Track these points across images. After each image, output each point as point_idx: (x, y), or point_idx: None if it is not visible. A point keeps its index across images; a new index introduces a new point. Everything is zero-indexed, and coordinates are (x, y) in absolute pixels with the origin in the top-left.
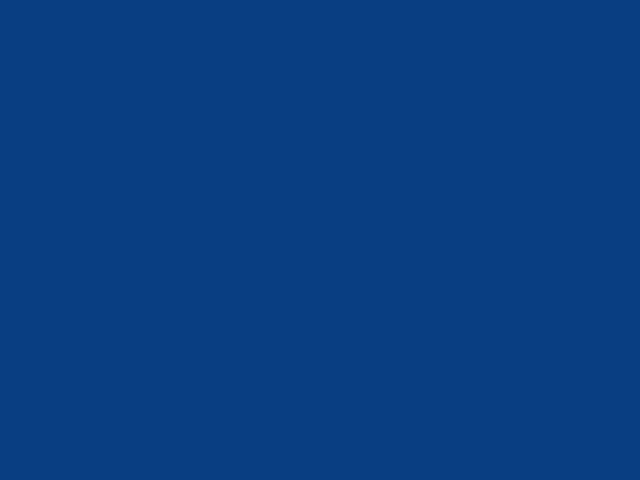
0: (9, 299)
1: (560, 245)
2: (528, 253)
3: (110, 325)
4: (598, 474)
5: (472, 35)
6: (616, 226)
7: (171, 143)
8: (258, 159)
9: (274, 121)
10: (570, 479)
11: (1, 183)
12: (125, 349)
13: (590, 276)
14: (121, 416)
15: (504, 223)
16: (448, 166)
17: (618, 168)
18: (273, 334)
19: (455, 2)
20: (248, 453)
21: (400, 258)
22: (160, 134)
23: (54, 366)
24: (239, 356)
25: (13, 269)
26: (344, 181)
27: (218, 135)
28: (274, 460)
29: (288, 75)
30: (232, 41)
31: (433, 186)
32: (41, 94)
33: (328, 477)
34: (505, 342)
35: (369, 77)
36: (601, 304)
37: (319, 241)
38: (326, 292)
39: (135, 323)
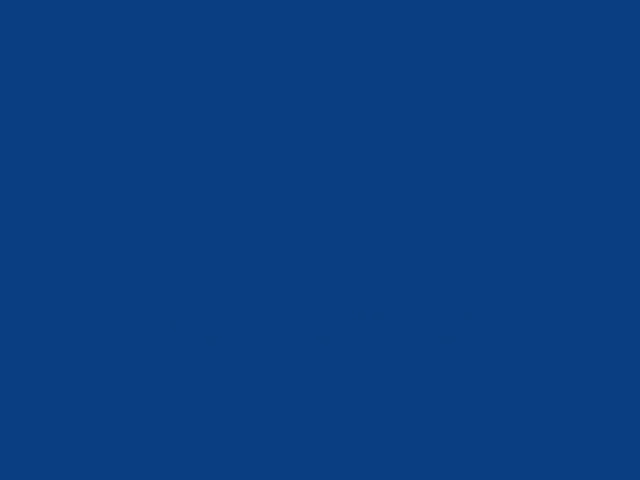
0: (9, 299)
1: (560, 245)
2: (528, 254)
3: (109, 325)
4: (598, 474)
5: (472, 35)
6: (616, 226)
7: (171, 143)
8: (258, 159)
9: (274, 121)
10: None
11: (1, 183)
12: (124, 349)
13: (590, 276)
14: (120, 416)
15: (504, 223)
16: (448, 166)
17: (618, 168)
18: (273, 334)
19: (455, 2)
20: (248, 453)
21: (400, 258)
22: (160, 134)
23: (52, 366)
24: (239, 356)
25: (13, 269)
26: (344, 181)
27: (218, 135)
28: (274, 460)
29: (288, 75)
30: (232, 41)
31: (433, 186)
32: (40, 93)
33: (328, 477)
34: (505, 342)
35: (369, 77)
36: (601, 304)
37: (319, 241)
38: (326, 292)
39: (134, 323)
